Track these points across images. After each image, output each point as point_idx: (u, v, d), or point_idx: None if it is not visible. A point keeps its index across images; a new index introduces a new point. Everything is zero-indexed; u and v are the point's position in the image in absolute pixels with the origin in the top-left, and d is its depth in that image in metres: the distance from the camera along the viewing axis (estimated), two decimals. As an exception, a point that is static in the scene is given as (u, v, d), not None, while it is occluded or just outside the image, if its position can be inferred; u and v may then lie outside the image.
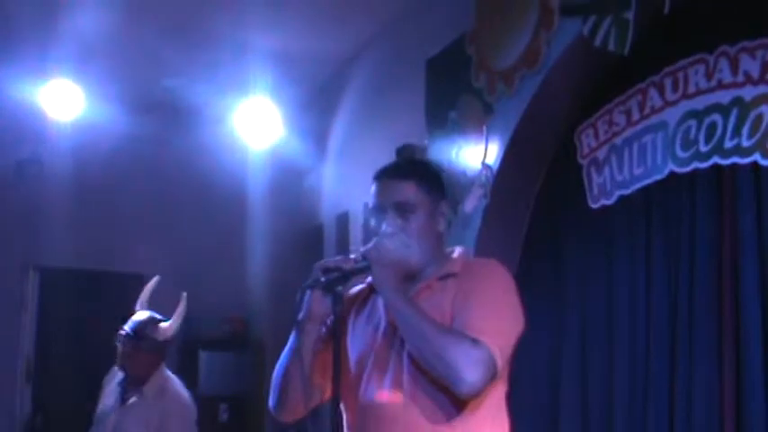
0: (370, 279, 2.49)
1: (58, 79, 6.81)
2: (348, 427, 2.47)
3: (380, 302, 2.47)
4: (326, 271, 2.34)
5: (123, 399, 4.46)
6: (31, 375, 7.66)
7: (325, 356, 2.44)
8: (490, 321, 2.29)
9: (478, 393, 2.25)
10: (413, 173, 2.50)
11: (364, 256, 2.35)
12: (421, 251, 2.42)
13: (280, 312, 7.88)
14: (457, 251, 2.53)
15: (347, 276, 2.34)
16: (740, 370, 3.57)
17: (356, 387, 2.42)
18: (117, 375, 4.57)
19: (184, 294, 4.74)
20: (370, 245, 2.38)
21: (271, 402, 2.57)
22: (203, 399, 7.98)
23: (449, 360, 2.21)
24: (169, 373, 4.56)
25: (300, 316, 2.41)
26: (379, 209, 2.47)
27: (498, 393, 2.39)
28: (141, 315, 4.57)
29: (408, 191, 2.45)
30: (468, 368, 2.20)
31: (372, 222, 2.49)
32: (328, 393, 2.47)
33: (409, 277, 2.45)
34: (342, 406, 2.44)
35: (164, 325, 4.56)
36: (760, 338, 3.51)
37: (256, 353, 8.31)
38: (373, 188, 2.51)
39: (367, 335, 2.47)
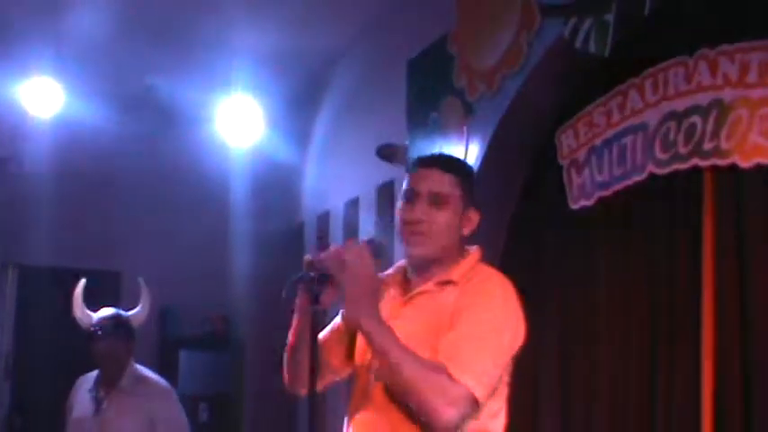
0: (390, 271, 2.54)
1: (39, 77, 6.78)
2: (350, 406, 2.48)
3: (387, 296, 2.47)
4: (311, 267, 2.32)
5: (98, 401, 4.42)
6: (10, 373, 7.62)
7: (338, 340, 2.52)
8: (476, 355, 2.24)
9: (455, 428, 2.22)
10: (455, 168, 2.49)
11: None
12: (436, 248, 2.42)
13: (261, 312, 7.87)
14: (471, 252, 2.50)
15: (328, 277, 2.31)
16: (719, 369, 3.59)
17: (362, 375, 2.45)
18: (85, 383, 4.54)
19: (142, 280, 4.81)
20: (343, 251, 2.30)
21: (285, 378, 2.58)
22: (183, 398, 7.94)
23: (425, 397, 2.18)
24: (138, 365, 4.56)
25: (293, 305, 2.43)
26: (412, 195, 2.45)
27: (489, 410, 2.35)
28: (106, 311, 4.53)
29: (446, 183, 2.44)
30: (444, 406, 2.17)
31: (399, 207, 2.47)
32: (344, 374, 2.55)
33: (418, 270, 2.46)
34: (353, 392, 2.48)
35: (133, 312, 4.60)
36: (738, 339, 3.54)
37: (237, 352, 8.30)
38: (411, 174, 2.50)
39: None
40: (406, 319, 2.38)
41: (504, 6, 4.61)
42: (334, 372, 2.57)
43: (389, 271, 2.57)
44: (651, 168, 3.95)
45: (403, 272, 2.54)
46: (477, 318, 2.29)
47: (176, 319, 8.13)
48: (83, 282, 4.70)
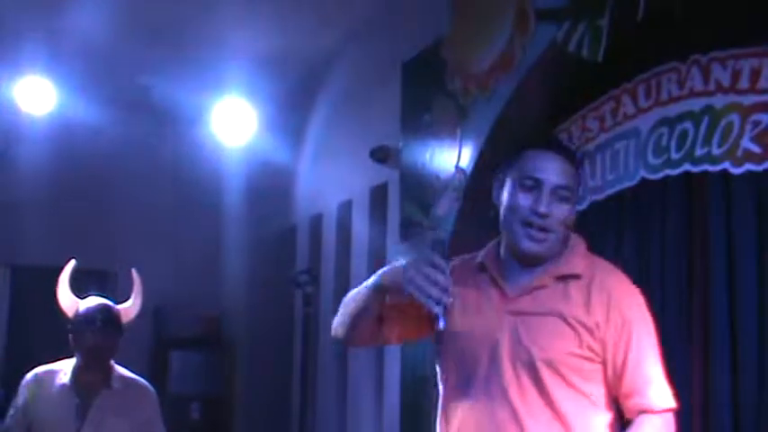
0: (481, 256, 2.48)
1: (33, 76, 6.77)
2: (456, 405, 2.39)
3: (494, 294, 2.37)
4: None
5: (83, 402, 3.92)
6: (2, 374, 7.59)
7: (399, 314, 2.43)
8: (659, 376, 2.35)
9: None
10: (575, 159, 2.40)
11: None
12: (555, 244, 2.35)
13: (253, 312, 7.87)
14: (574, 239, 2.43)
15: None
16: (708, 372, 3.60)
17: (471, 372, 2.35)
18: (49, 378, 4.01)
19: (135, 272, 4.39)
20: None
21: (341, 334, 2.52)
22: (174, 397, 7.97)
23: None
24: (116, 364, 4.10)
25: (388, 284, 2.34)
26: (536, 184, 2.34)
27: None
28: (96, 301, 4.03)
29: (572, 177, 2.35)
30: None
31: (512, 195, 2.38)
32: (393, 341, 2.54)
33: (522, 261, 2.38)
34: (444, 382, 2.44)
35: (125, 306, 4.15)
36: (728, 343, 3.54)
37: (229, 352, 8.30)
38: (534, 158, 2.36)
39: (485, 327, 2.36)
40: (528, 315, 2.30)
41: (498, 9, 4.62)
42: (385, 338, 2.51)
43: (482, 253, 2.50)
44: (643, 174, 3.95)
45: (496, 257, 2.45)
46: (649, 342, 2.37)
47: (168, 319, 8.13)
48: (72, 263, 4.28)
